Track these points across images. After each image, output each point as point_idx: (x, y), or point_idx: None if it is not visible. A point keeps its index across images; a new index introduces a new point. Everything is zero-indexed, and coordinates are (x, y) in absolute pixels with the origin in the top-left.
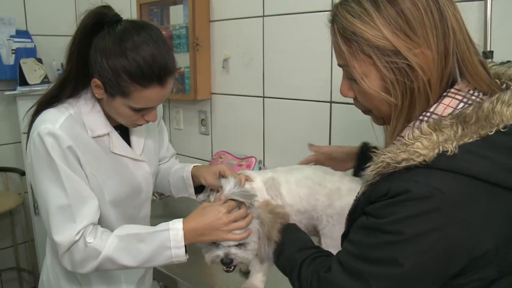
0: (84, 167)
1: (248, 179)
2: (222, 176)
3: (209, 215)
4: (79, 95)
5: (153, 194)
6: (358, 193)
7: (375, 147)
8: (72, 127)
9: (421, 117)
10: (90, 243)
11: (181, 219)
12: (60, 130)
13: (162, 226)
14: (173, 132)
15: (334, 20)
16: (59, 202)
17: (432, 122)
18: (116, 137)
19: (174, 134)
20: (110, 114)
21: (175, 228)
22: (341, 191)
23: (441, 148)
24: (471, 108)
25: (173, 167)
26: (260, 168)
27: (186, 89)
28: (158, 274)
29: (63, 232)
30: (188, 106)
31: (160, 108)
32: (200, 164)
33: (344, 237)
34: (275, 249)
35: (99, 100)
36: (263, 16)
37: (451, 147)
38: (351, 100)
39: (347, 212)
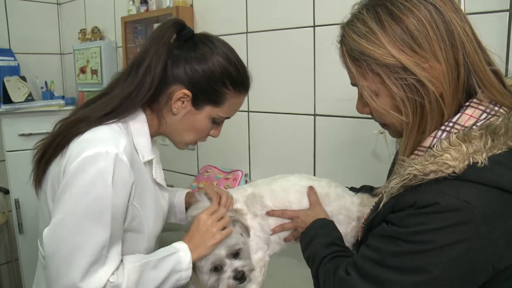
0: (132, 200)
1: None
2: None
3: (197, 226)
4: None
5: None
6: (375, 203)
7: (372, 187)
8: (130, 153)
9: (443, 127)
10: (112, 282)
11: (182, 241)
12: (125, 156)
13: (169, 249)
14: (159, 147)
15: (342, 41)
16: (97, 244)
17: (462, 133)
18: (157, 162)
19: (161, 150)
20: (173, 133)
21: (183, 249)
22: (330, 197)
23: (471, 160)
24: (500, 119)
25: None
26: (246, 181)
27: None
28: None
29: (90, 278)
30: None
31: None
32: (189, 191)
33: (360, 244)
34: (304, 239)
35: (156, 118)
36: (247, 32)
37: (481, 158)
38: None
39: (336, 216)
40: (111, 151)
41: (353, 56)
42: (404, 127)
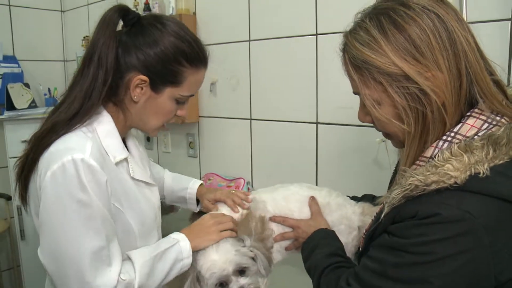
0: (111, 200)
1: (242, 205)
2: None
3: (199, 222)
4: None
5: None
6: (376, 213)
7: (374, 196)
8: (99, 155)
9: (444, 137)
10: (124, 280)
11: (180, 232)
12: (92, 159)
13: (169, 241)
14: (161, 155)
15: (345, 49)
16: (95, 245)
17: (463, 144)
18: (133, 161)
19: (162, 157)
20: (140, 121)
21: (183, 239)
22: (331, 206)
23: (473, 170)
24: (502, 129)
25: (166, 180)
26: (248, 189)
27: None
28: None
29: (102, 277)
30: (176, 129)
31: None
32: (201, 183)
33: (361, 255)
34: (305, 250)
35: (120, 111)
36: (249, 40)
37: (483, 169)
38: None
39: (337, 226)
40: (77, 157)
41: (356, 64)
42: (406, 136)
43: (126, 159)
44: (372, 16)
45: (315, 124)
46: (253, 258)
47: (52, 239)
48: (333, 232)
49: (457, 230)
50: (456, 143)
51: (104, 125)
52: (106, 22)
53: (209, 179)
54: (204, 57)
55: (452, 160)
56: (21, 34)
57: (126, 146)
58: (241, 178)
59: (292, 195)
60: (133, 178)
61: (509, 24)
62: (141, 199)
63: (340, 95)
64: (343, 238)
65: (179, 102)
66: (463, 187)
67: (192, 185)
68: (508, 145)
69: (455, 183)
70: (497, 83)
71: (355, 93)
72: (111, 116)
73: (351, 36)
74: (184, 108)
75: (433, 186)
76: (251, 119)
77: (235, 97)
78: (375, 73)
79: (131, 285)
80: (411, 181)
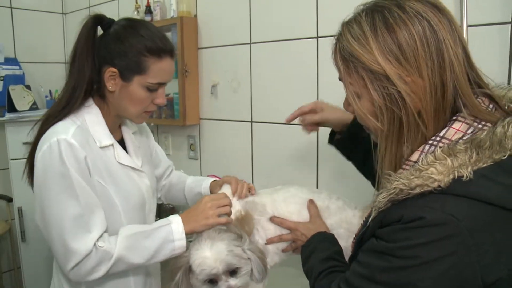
0: (93, 176)
1: (242, 196)
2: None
3: (198, 204)
4: (80, 107)
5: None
6: (365, 218)
7: None
8: (82, 137)
9: (430, 141)
10: (101, 247)
11: (177, 214)
12: (73, 139)
13: (163, 221)
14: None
15: (338, 39)
16: (73, 212)
17: (446, 147)
18: (119, 148)
19: None
20: (120, 109)
21: (176, 222)
22: (330, 210)
23: (456, 174)
24: (485, 133)
25: (187, 181)
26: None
27: (175, 115)
28: None
29: (79, 241)
30: (177, 132)
31: (147, 128)
32: (214, 180)
33: (351, 260)
34: (304, 253)
35: (105, 103)
36: (250, 43)
37: (466, 172)
38: None
39: (336, 230)
40: (61, 137)
41: (343, 55)
42: (379, 134)
43: (112, 145)
44: (368, 11)
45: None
46: (249, 259)
47: (41, 207)
48: (332, 235)
49: (441, 233)
50: (440, 147)
51: (91, 116)
52: (83, 28)
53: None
54: (164, 47)
55: (436, 164)
56: (22, 36)
57: (122, 135)
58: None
59: (291, 197)
60: (118, 162)
61: (510, 27)
62: (126, 180)
63: (340, 98)
64: (342, 242)
65: (151, 89)
66: (447, 190)
67: (207, 181)
68: (491, 149)
69: (439, 186)
70: (488, 95)
71: (340, 79)
72: (99, 107)
73: (346, 27)
74: (160, 97)
75: (417, 190)
76: (252, 122)
77: (236, 100)
78: (359, 68)
79: (108, 254)
80: (396, 185)
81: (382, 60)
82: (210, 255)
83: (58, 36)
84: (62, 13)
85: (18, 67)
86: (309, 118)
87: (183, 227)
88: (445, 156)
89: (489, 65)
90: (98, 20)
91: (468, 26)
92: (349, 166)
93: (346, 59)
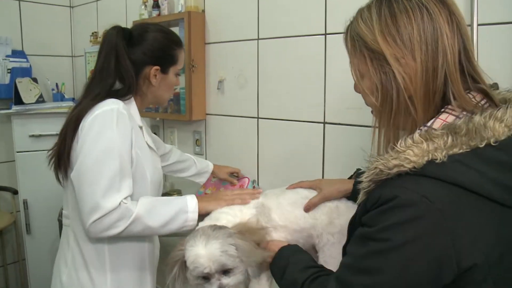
0: (134, 148)
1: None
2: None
3: (216, 191)
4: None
5: None
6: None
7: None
8: (128, 112)
9: (418, 131)
10: (125, 203)
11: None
12: (124, 110)
13: (179, 196)
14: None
15: (352, 21)
16: (110, 173)
17: (424, 132)
18: (145, 131)
19: None
20: (157, 97)
21: (191, 197)
22: (340, 209)
23: (430, 156)
24: (461, 120)
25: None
26: (254, 188)
27: (181, 110)
28: None
29: (108, 199)
30: (182, 127)
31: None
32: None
33: (344, 249)
34: (276, 271)
35: (137, 96)
36: (258, 39)
37: (440, 155)
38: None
39: (345, 230)
40: (114, 107)
41: (352, 35)
42: (376, 112)
43: (141, 128)
44: (380, 0)
45: (322, 124)
46: (242, 260)
47: (85, 159)
48: (296, 245)
49: (413, 213)
50: (418, 132)
51: (127, 103)
52: (112, 42)
53: (214, 177)
54: (179, 38)
55: (413, 147)
56: (30, 29)
57: None
58: (246, 177)
59: (301, 199)
60: (146, 142)
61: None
62: (150, 158)
63: (348, 95)
64: None
65: (178, 74)
66: (421, 171)
67: (209, 165)
68: (467, 136)
69: (414, 167)
70: (484, 92)
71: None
72: (134, 100)
73: (359, 12)
74: (178, 79)
75: (395, 170)
76: (258, 118)
77: (243, 96)
78: (362, 47)
79: (129, 212)
80: (376, 164)
81: (381, 40)
82: (204, 253)
83: (65, 29)
84: (70, 6)
85: (25, 60)
86: (312, 203)
87: (197, 202)
88: (422, 140)
89: (500, 64)
90: (122, 30)
91: (479, 25)
92: (356, 163)
93: (354, 39)
